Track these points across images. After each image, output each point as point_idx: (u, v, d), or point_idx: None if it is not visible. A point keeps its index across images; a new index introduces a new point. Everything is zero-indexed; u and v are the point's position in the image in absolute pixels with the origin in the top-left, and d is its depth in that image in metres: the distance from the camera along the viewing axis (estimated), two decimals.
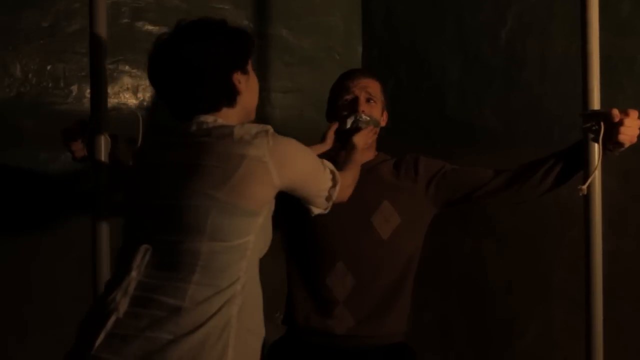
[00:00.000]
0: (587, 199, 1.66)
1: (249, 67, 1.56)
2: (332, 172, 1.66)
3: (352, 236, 1.95)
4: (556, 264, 2.26)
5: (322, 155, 2.09)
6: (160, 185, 1.43)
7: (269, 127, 1.44)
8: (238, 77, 1.51)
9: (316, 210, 1.68)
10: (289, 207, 2.01)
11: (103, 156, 1.76)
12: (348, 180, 1.79)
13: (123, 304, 1.34)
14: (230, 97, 1.51)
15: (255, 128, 1.42)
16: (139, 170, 1.52)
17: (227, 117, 1.51)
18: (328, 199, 1.66)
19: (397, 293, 1.97)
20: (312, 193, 1.61)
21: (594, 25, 1.64)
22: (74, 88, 2.28)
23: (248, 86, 1.55)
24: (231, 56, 1.49)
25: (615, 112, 1.60)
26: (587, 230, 1.66)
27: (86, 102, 2.21)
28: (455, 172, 2.00)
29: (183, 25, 1.51)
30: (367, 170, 2.03)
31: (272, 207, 1.50)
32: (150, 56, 1.52)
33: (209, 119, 1.47)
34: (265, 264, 2.38)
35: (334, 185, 1.65)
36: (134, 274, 1.36)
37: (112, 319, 1.32)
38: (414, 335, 2.05)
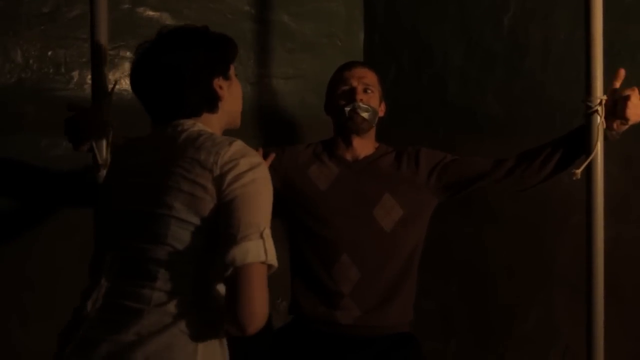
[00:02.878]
0: (588, 185, 1.66)
1: (231, 73, 1.57)
2: (266, 251, 1.29)
3: (354, 229, 1.95)
4: (557, 251, 2.27)
5: (321, 143, 2.10)
6: (129, 192, 1.44)
7: (236, 140, 1.39)
8: (219, 83, 1.52)
9: (223, 261, 1.28)
10: (288, 199, 2.02)
11: (104, 143, 1.75)
12: (262, 309, 1.29)
13: (93, 312, 1.37)
14: (211, 102, 1.51)
15: (221, 138, 1.40)
16: (111, 176, 1.54)
17: (208, 122, 1.51)
18: (231, 263, 1.26)
19: (402, 283, 1.98)
20: (232, 231, 1.29)
21: (597, 11, 1.64)
22: (75, 74, 2.27)
23: (230, 92, 1.55)
24: (211, 62, 1.50)
25: (622, 71, 1.66)
26: (588, 216, 1.66)
27: (87, 88, 2.20)
28: (457, 163, 2.00)
29: (164, 34, 1.52)
30: (368, 163, 2.03)
31: None
32: (132, 64, 1.53)
33: (187, 123, 1.47)
34: None
35: (248, 260, 1.26)
36: (103, 282, 1.39)
37: (84, 326, 1.37)
38: (415, 323, 2.06)
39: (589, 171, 1.66)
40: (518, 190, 2.00)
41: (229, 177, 1.33)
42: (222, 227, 1.31)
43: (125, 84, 2.36)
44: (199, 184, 1.34)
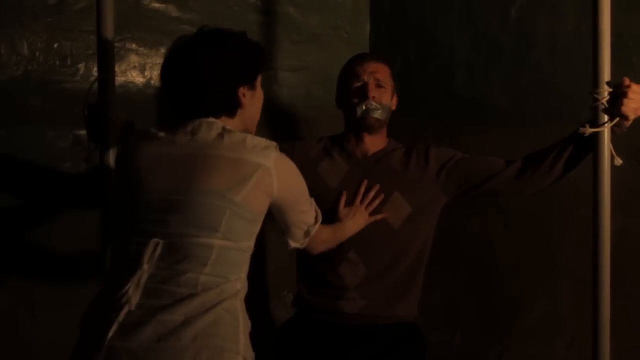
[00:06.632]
0: (595, 177, 1.65)
1: (258, 83, 1.60)
2: (316, 210, 1.77)
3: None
4: (564, 243, 2.26)
5: (331, 139, 2.10)
6: (169, 181, 1.46)
7: (275, 144, 1.53)
8: (244, 91, 1.55)
9: (293, 244, 1.75)
10: None
11: (111, 136, 1.77)
12: (325, 236, 1.84)
13: (135, 297, 1.38)
14: (231, 108, 1.55)
15: (265, 142, 1.51)
16: (140, 165, 1.52)
17: (227, 125, 1.54)
18: (306, 234, 1.74)
19: (409, 282, 1.98)
20: (295, 221, 1.69)
21: (605, 3, 1.62)
22: (82, 66, 2.27)
23: (253, 102, 1.59)
24: (241, 69, 1.53)
25: (626, 80, 1.61)
26: (595, 209, 1.65)
27: (93, 80, 2.20)
28: (467, 161, 1.99)
29: (204, 32, 1.55)
30: (378, 160, 2.03)
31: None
32: (167, 54, 1.57)
33: (219, 123, 1.52)
34: (272, 242, 2.38)
35: (315, 223, 1.75)
36: (145, 267, 1.41)
37: (125, 311, 1.37)
38: (422, 315, 2.06)
39: (596, 164, 1.65)
40: (530, 193, 1.96)
41: (280, 179, 1.50)
42: (282, 224, 1.70)
43: (131, 76, 2.37)
44: (255, 181, 1.45)
